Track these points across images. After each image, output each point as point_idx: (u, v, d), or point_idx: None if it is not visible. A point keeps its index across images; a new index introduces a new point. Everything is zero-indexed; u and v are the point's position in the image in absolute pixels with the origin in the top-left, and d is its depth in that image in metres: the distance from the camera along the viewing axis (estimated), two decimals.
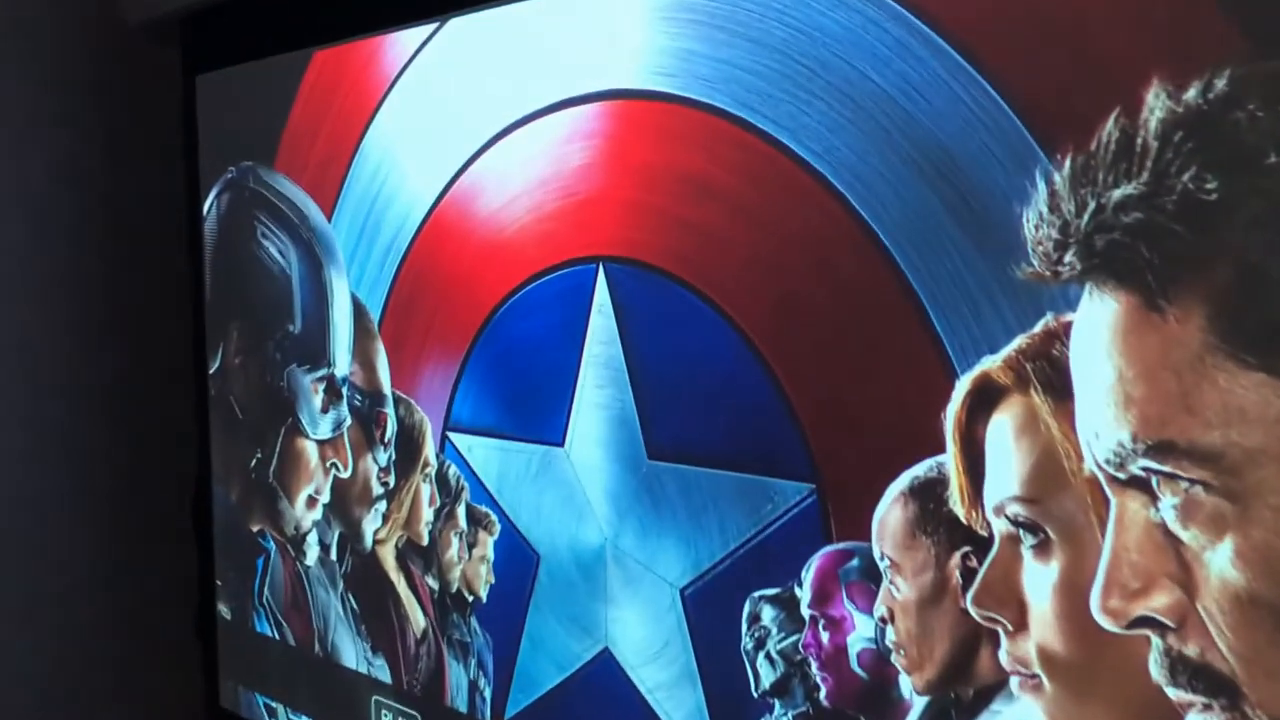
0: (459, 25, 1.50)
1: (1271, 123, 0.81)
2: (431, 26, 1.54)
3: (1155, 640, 0.89)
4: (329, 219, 1.73)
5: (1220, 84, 0.83)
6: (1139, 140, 0.87)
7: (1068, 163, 0.90)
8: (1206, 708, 0.87)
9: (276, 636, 1.93)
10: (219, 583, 2.06)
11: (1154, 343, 0.89)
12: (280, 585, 1.91)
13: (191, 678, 2.14)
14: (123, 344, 2.11)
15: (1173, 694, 0.89)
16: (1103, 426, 0.91)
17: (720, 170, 1.18)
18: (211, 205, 1.99)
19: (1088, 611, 0.93)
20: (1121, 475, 0.90)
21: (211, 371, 2.02)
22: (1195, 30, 0.85)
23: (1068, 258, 0.91)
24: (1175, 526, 0.87)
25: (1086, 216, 0.90)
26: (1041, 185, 0.92)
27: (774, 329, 1.14)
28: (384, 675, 1.72)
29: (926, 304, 1.01)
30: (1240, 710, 0.85)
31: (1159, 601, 0.88)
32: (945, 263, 0.99)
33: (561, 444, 1.38)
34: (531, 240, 1.39)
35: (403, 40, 1.59)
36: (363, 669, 1.75)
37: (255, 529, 1.95)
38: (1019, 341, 0.96)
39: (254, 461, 1.92)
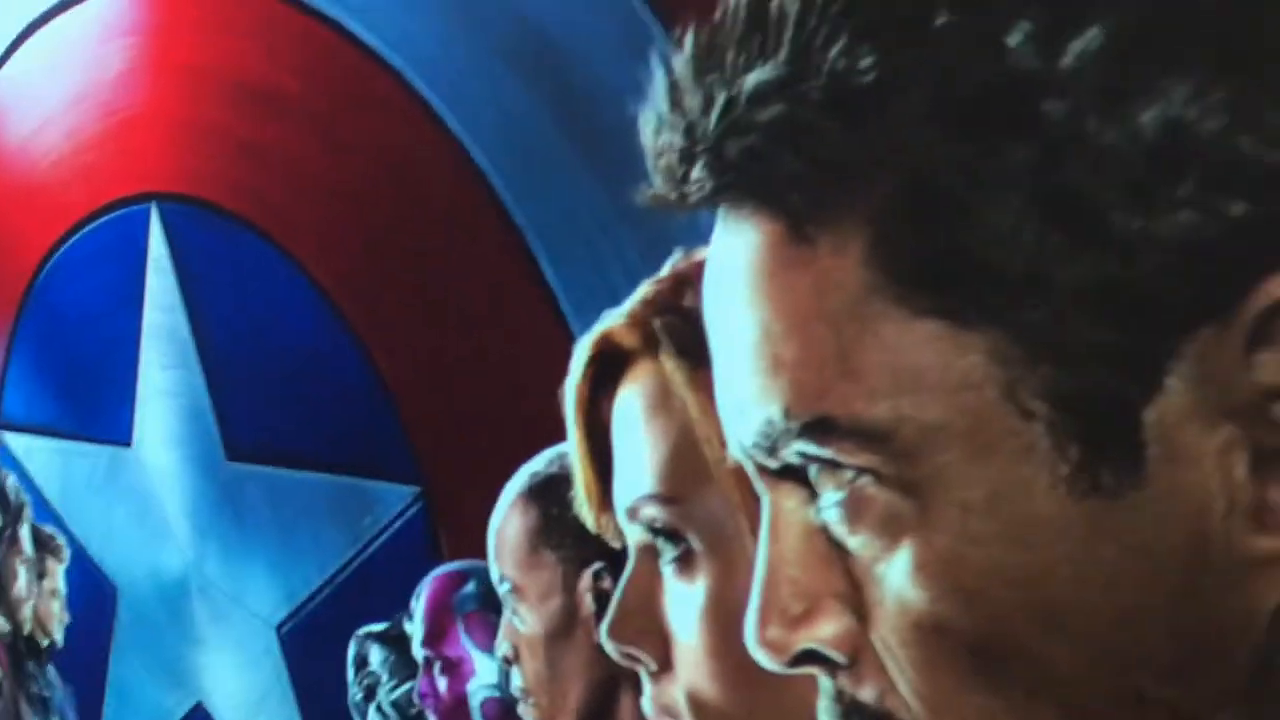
0: None
1: None
2: None
3: (825, 682, 0.67)
4: None
5: None
6: (773, 4, 0.64)
7: (689, 42, 0.65)
8: None
9: None
10: None
11: (805, 285, 0.66)
12: None
13: None
14: None
15: None
16: (747, 400, 0.68)
17: (282, 71, 0.89)
18: None
19: (743, 644, 0.70)
20: (774, 464, 0.67)
21: None
22: None
23: (695, 172, 0.68)
24: (840, 531, 0.65)
25: (715, 114, 0.67)
26: (661, 75, 0.66)
27: (363, 287, 0.88)
28: None
29: (533, 242, 0.75)
30: None
31: (825, 631, 0.66)
32: (553, 186, 0.75)
33: (129, 443, 1.09)
34: (72, 176, 1.08)
35: None
36: None
37: None
38: (645, 290, 0.71)
39: None
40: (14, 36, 1.08)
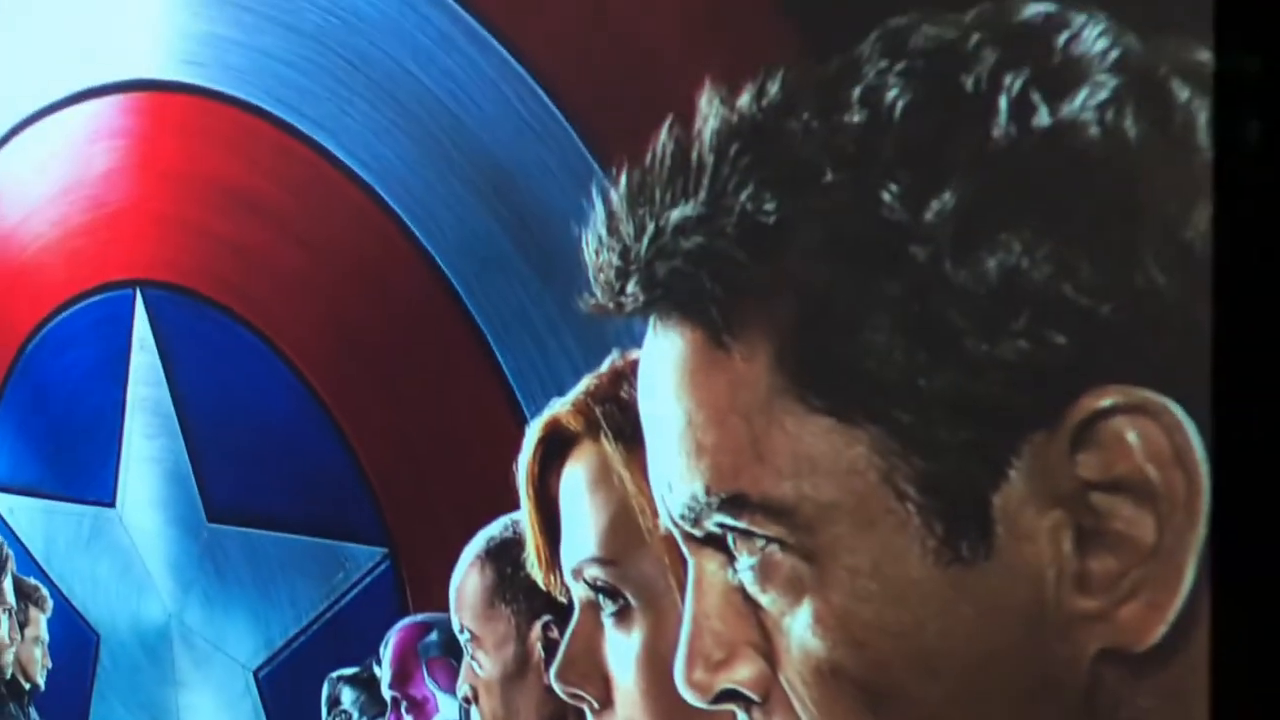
0: None
1: (828, 134, 0.70)
2: None
3: (741, 716, 0.79)
4: None
5: (773, 89, 0.72)
6: (695, 153, 0.76)
7: (624, 179, 0.77)
8: None
9: None
10: None
11: (722, 384, 0.78)
12: None
13: None
14: None
15: None
16: (675, 478, 0.79)
17: (261, 179, 0.99)
18: None
19: (673, 686, 0.81)
20: (698, 532, 0.79)
21: None
22: (750, 25, 0.73)
23: (630, 287, 0.79)
24: (754, 590, 0.77)
25: (645, 241, 0.78)
26: (599, 205, 0.78)
27: (333, 369, 0.98)
28: None
29: (491, 339, 0.87)
30: None
31: (742, 673, 0.78)
32: (507, 292, 0.86)
33: (113, 504, 1.17)
34: (59, 260, 1.16)
35: None
36: None
37: None
38: (587, 382, 0.83)
39: None
40: (5, 132, 1.17)
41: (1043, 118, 0.62)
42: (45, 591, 1.32)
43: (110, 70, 1.11)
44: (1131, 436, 0.65)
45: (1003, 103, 0.64)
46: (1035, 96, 0.61)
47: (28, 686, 1.34)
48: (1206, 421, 0.61)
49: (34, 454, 1.26)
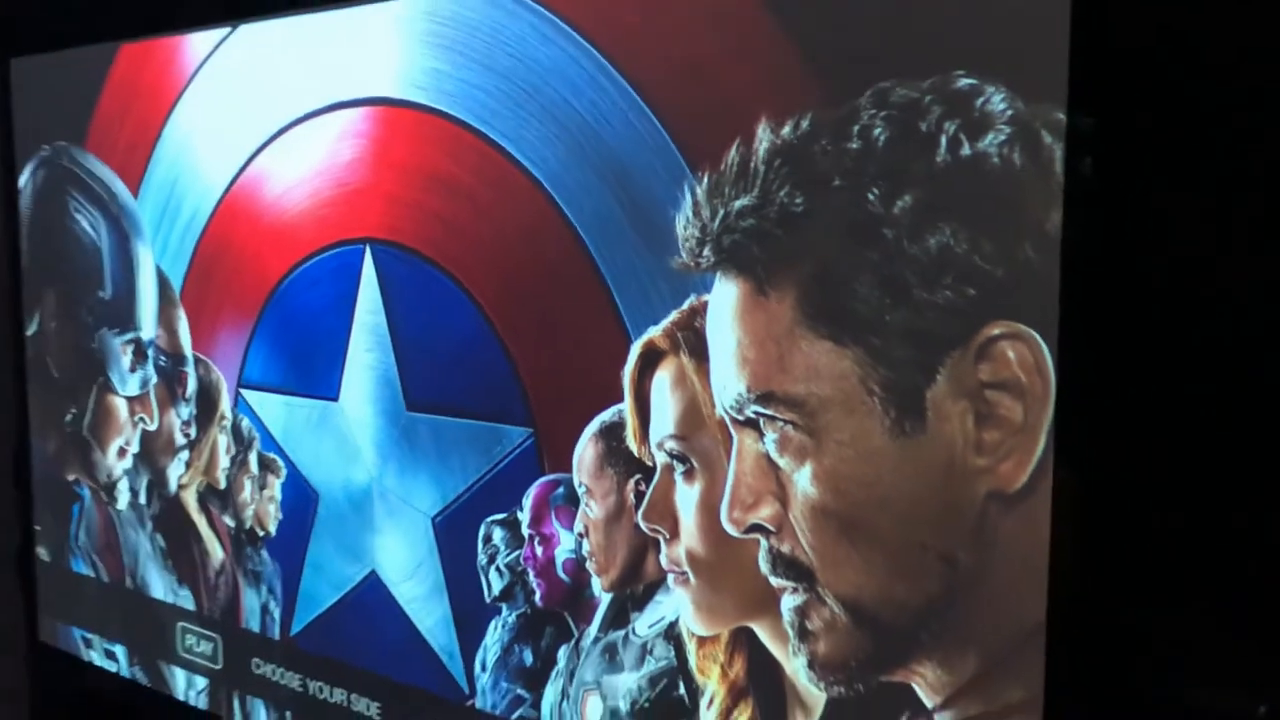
0: (249, 31, 1.64)
1: (837, 155, 1.06)
2: (224, 30, 1.68)
3: (763, 542, 1.14)
4: (135, 197, 1.84)
5: (805, 124, 1.07)
6: (752, 164, 1.10)
7: (705, 179, 1.13)
8: (794, 591, 1.12)
9: (92, 574, 2.04)
10: (37, 528, 2.15)
11: (761, 319, 1.12)
12: (94, 528, 2.02)
13: (13, 616, 2.22)
14: None
15: (774, 582, 1.14)
16: (728, 381, 1.15)
17: (462, 171, 1.37)
18: (27, 180, 2.06)
19: (719, 522, 1.17)
20: (740, 418, 1.14)
21: (29, 334, 2.10)
22: (791, 83, 1.09)
23: (705, 252, 1.14)
24: (775, 456, 1.11)
25: (717, 221, 1.13)
26: (688, 195, 1.15)
27: (502, 303, 1.34)
28: (188, 604, 1.86)
29: (611, 285, 1.23)
30: (815, 592, 1.10)
31: (764, 513, 1.13)
32: (623, 253, 1.21)
33: (336, 398, 1.56)
34: (310, 223, 1.55)
35: (199, 41, 1.71)
36: (169, 599, 1.89)
37: (71, 478, 2.05)
38: (673, 316, 1.19)
39: (69, 417, 2.01)
40: (279, 128, 1.58)
41: (966, 150, 1.06)
42: (280, 463, 1.65)
43: (356, 89, 1.47)
44: (1011, 354, 1.14)
45: (943, 140, 1.08)
46: (962, 137, 1.05)
47: (261, 534, 1.76)
48: (1054, 345, 0.98)
49: (280, 362, 1.63)
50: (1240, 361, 0.88)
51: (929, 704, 1.03)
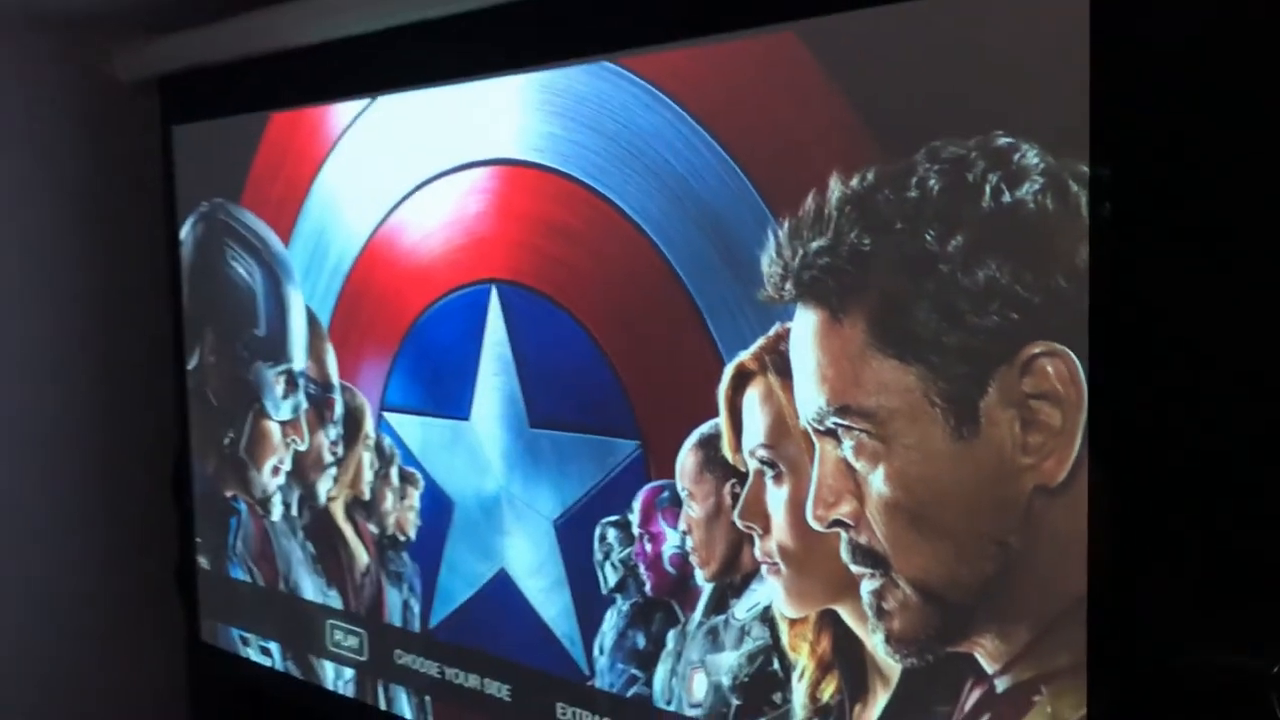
0: (387, 102, 1.88)
1: (898, 203, 1.24)
2: (365, 101, 1.92)
3: (844, 535, 1.32)
4: (286, 246, 2.09)
5: (870, 176, 1.26)
6: (826, 211, 1.29)
7: (786, 224, 1.32)
8: (872, 576, 1.29)
9: (248, 580, 2.28)
10: (198, 539, 2.40)
11: (837, 342, 1.30)
12: (250, 538, 2.25)
13: (176, 619, 2.47)
14: (113, 345, 2.43)
15: (854, 569, 1.31)
16: (809, 396, 1.33)
17: (574, 220, 1.57)
18: (188, 233, 2.33)
19: (805, 518, 1.35)
20: (821, 428, 1.32)
21: (190, 368, 2.36)
22: (856, 141, 1.27)
23: (787, 286, 1.32)
24: (852, 460, 1.29)
25: (797, 260, 1.32)
26: (771, 238, 1.33)
27: (611, 333, 1.54)
28: (336, 603, 2.08)
29: (705, 315, 1.41)
30: (890, 576, 1.27)
31: (844, 510, 1.31)
32: (716, 288, 1.40)
33: (467, 418, 1.77)
34: (443, 266, 1.77)
35: (343, 110, 1.96)
36: (319, 600, 2.11)
37: (229, 494, 2.29)
38: (760, 341, 1.38)
39: (227, 440, 2.24)
40: (415, 185, 1.81)
41: (1007, 197, 1.28)
42: (419, 475, 1.83)
43: (483, 151, 1.67)
44: (1050, 369, 1.37)
45: (987, 189, 1.30)
46: (1003, 186, 1.26)
47: (402, 539, 1.97)
48: (1085, 360, 1.16)
49: (418, 387, 1.82)
50: (1241, 364, 1.04)
51: (989, 670, 1.19)
